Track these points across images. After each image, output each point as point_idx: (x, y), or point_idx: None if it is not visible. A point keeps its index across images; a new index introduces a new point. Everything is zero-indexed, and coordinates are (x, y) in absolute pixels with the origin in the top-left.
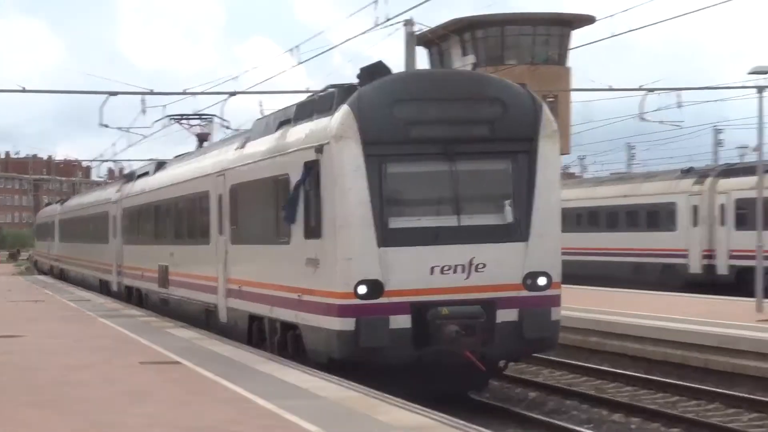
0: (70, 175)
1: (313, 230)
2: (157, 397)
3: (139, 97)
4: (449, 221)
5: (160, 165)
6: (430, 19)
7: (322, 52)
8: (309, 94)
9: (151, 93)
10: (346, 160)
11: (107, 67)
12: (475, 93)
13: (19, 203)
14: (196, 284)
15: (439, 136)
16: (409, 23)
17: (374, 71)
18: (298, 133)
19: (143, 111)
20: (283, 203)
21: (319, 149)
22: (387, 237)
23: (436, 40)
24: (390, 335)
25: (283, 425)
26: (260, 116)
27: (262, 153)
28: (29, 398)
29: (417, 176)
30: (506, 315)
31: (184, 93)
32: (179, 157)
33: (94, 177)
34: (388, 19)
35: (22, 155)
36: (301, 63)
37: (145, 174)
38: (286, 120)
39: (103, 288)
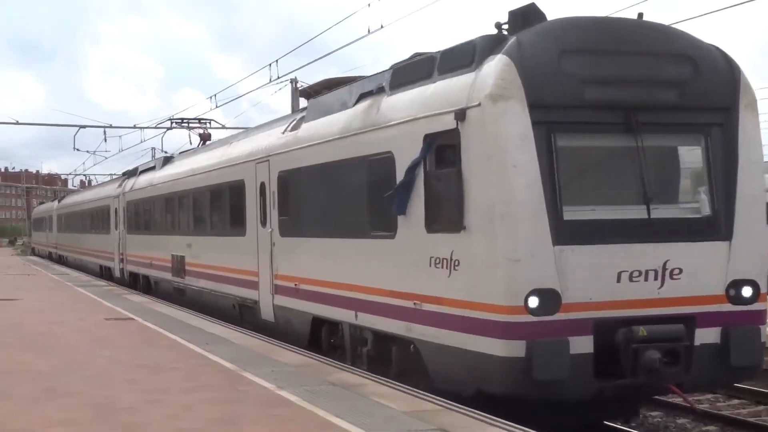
0: (53, 184)
1: (446, 221)
2: (117, 343)
3: (101, 129)
4: (637, 212)
5: (168, 160)
6: (309, 77)
7: (232, 99)
8: (221, 128)
9: (111, 126)
10: (508, 128)
11: (78, 106)
12: (661, 47)
13: (14, 204)
14: (224, 277)
15: (620, 101)
16: (293, 81)
17: (528, 14)
18: (406, 101)
19: (104, 140)
20: (381, 188)
21: (460, 115)
22: (563, 232)
23: (313, 93)
24: (570, 363)
25: (209, 363)
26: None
27: (337, 131)
28: (23, 345)
29: (595, 152)
30: (706, 335)
31: (134, 127)
32: (186, 153)
33: (69, 186)
34: (279, 77)
35: (17, 169)
36: (218, 107)
37: (151, 169)
38: (368, 92)
39: (105, 272)
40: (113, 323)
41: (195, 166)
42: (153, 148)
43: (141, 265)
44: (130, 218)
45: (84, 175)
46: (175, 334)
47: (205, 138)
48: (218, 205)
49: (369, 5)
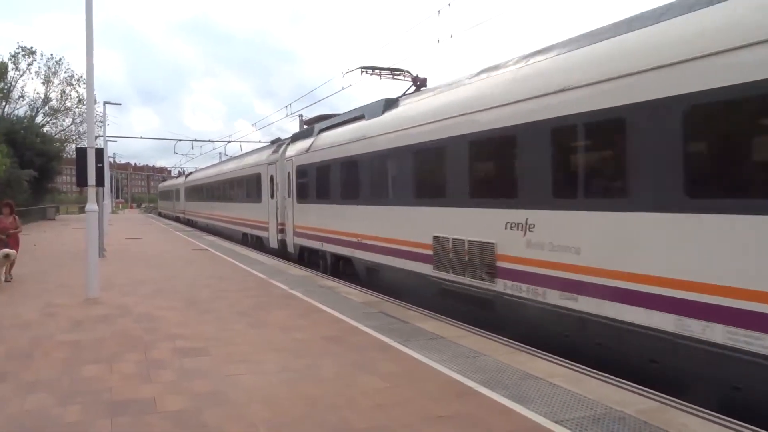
0: (162, 173)
1: None
2: (198, 264)
3: (190, 142)
4: None
5: (390, 103)
6: (310, 113)
7: (268, 125)
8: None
9: (195, 140)
10: None
11: (177, 128)
12: None
13: (140, 185)
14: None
15: None
16: (301, 115)
17: None
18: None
19: (192, 147)
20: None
21: None
22: None
23: (311, 122)
24: None
25: (251, 275)
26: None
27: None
28: (143, 263)
29: None
30: None
31: (209, 140)
32: (428, 90)
33: (172, 174)
34: (293, 113)
35: (140, 164)
36: (258, 130)
37: (346, 123)
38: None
39: (255, 242)
40: (197, 252)
41: (464, 98)
42: (220, 153)
43: (332, 242)
44: (303, 185)
45: (181, 168)
46: (236, 260)
47: (420, 83)
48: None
49: (343, 74)
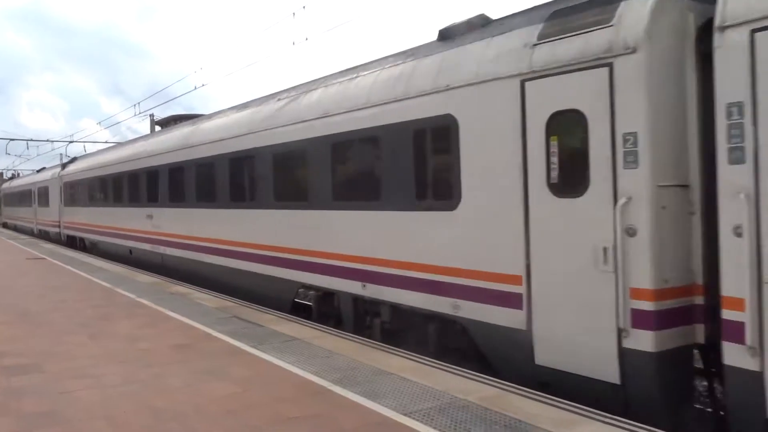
0: None
1: None
2: (34, 274)
3: (25, 141)
4: None
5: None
6: (162, 113)
7: (115, 123)
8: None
9: (31, 140)
10: None
11: (12, 127)
12: None
13: None
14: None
15: None
16: (152, 116)
17: None
18: None
19: (27, 147)
20: None
21: None
22: None
23: (164, 124)
24: None
25: (93, 283)
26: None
27: None
28: None
29: None
30: None
31: (47, 140)
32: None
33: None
34: (142, 112)
35: None
36: (105, 129)
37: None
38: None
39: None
40: (31, 261)
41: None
42: (60, 154)
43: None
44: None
45: (14, 170)
46: (74, 267)
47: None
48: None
49: (196, 71)
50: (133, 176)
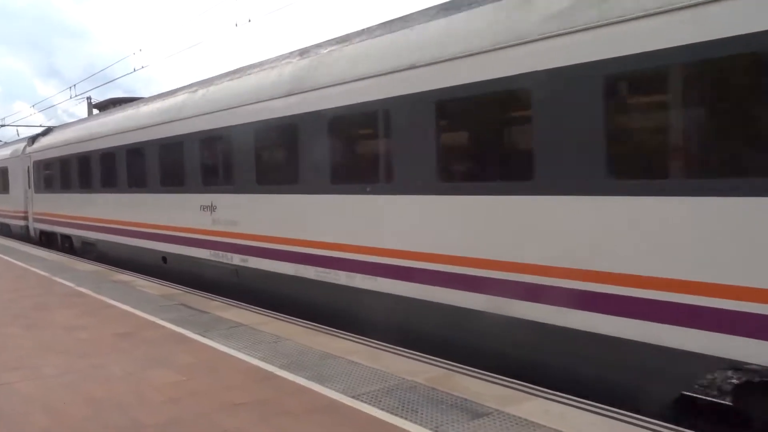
0: None
1: None
2: None
3: None
4: None
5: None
6: (101, 96)
7: (50, 107)
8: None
9: None
10: None
11: None
12: None
13: None
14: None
15: None
16: (89, 98)
17: None
18: None
19: None
20: None
21: None
22: None
23: (102, 107)
24: None
25: (29, 272)
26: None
27: None
28: None
29: None
30: None
31: None
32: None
33: None
34: (77, 95)
35: None
36: (40, 111)
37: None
38: None
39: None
40: None
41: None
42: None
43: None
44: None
45: None
46: (6, 255)
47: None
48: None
49: (135, 53)
50: (172, 146)
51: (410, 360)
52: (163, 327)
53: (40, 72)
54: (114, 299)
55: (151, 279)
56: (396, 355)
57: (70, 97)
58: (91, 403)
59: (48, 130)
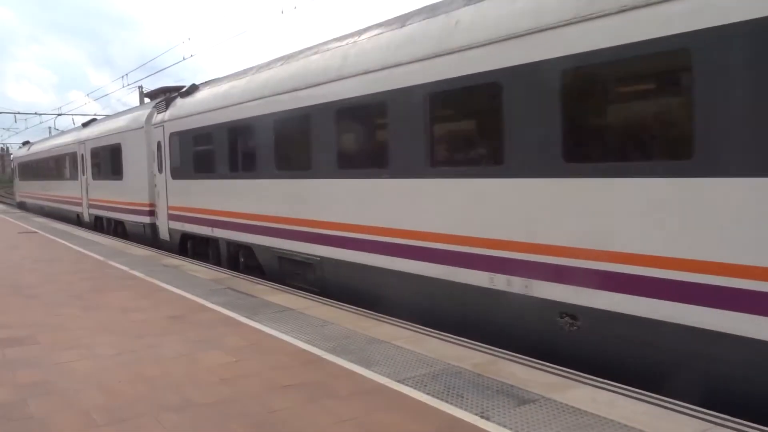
0: None
1: None
2: (25, 247)
3: (12, 115)
4: None
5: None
6: (152, 85)
7: (103, 96)
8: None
9: (19, 113)
10: None
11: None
12: None
13: None
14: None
15: None
16: (140, 87)
17: None
18: None
19: (15, 120)
20: None
21: None
22: None
23: (153, 96)
24: None
25: (86, 257)
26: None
27: None
28: None
29: None
30: None
31: (36, 114)
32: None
33: None
34: (129, 84)
35: None
36: (95, 101)
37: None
38: None
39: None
40: (23, 235)
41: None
42: (49, 127)
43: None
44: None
45: (1, 144)
46: (66, 240)
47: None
48: None
49: (184, 41)
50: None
51: (456, 346)
52: (213, 310)
53: (94, 62)
54: (166, 282)
55: (199, 263)
56: (441, 341)
57: (123, 86)
58: (145, 382)
59: (193, 88)
